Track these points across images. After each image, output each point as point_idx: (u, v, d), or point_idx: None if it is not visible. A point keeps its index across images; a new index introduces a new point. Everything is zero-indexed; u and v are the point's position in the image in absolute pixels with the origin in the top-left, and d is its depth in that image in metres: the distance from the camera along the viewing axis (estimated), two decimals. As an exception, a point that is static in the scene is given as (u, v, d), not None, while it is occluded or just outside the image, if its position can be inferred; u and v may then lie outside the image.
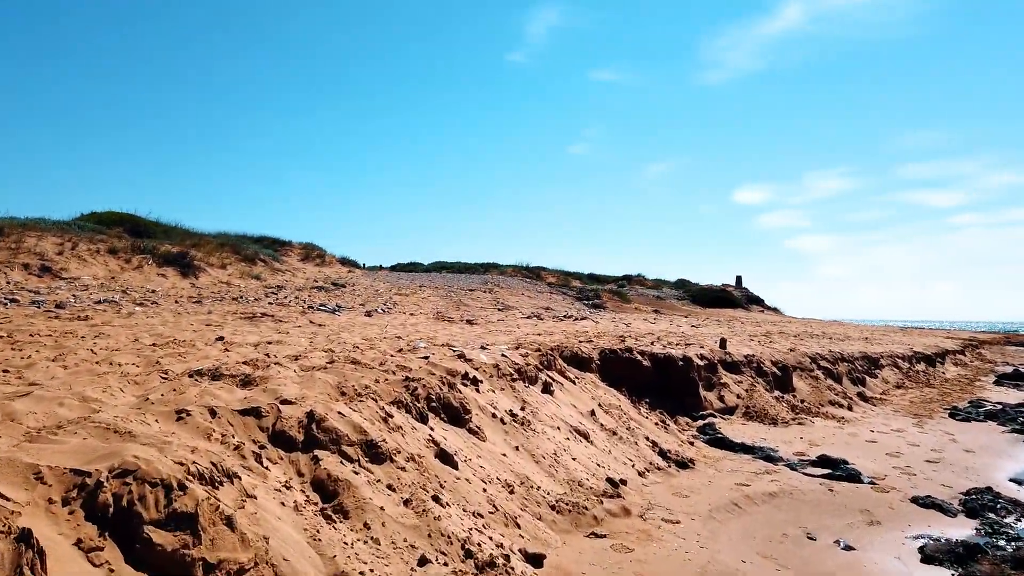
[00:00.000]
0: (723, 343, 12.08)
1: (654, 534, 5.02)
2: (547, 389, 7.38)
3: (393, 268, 46.37)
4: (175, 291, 17.18)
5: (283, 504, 3.29)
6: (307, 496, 3.53)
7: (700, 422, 9.72)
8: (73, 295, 13.36)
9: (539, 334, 13.01)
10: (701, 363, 10.55)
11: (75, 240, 18.33)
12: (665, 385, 9.99)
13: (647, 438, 7.58)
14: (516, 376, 7.08)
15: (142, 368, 5.31)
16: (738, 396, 10.66)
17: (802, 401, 11.48)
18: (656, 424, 8.66)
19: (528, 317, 20.74)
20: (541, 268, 51.39)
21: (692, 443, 8.43)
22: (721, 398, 10.42)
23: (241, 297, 17.45)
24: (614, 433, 7.23)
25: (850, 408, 11.92)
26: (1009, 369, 22.59)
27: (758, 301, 57.61)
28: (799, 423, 10.19)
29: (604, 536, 4.76)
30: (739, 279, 60.73)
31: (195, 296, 16.55)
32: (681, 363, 10.14)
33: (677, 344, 11.92)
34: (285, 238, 37.75)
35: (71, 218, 22.59)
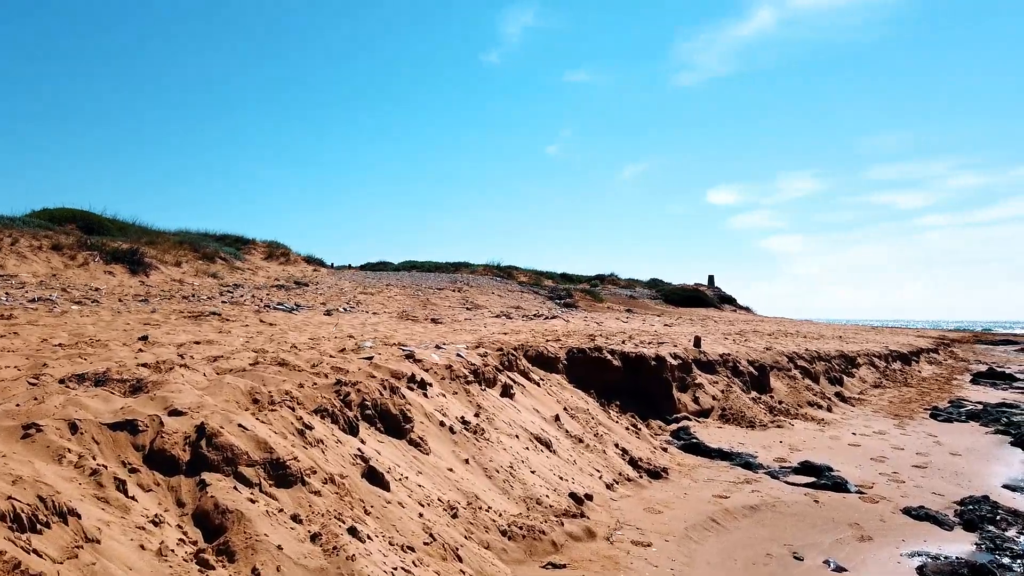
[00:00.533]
0: (697, 342, 11.51)
1: (622, 561, 4.36)
2: (507, 392, 6.70)
3: (363, 267, 45.40)
4: (121, 289, 16.19)
5: (143, 547, 2.55)
6: (184, 534, 2.80)
7: (674, 426, 9.11)
8: (6, 293, 12.36)
9: (505, 333, 12.33)
10: (675, 363, 9.95)
11: (15, 236, 17.21)
12: (637, 387, 9.37)
13: (617, 445, 6.93)
14: (471, 378, 6.38)
15: (24, 371, 4.51)
16: (714, 397, 10.08)
17: (780, 402, 10.94)
18: (627, 429, 8.02)
19: (497, 316, 20.07)
20: (513, 267, 50.71)
21: (666, 449, 7.80)
22: (696, 400, 9.82)
23: (193, 296, 16.53)
24: (580, 440, 6.56)
25: (829, 409, 11.41)
26: (983, 367, 22.41)
27: (730, 301, 57.55)
28: (778, 426, 9.63)
29: (564, 566, 4.08)
30: (711, 278, 60.66)
31: (142, 294, 15.60)
32: (654, 363, 9.52)
33: (649, 343, 11.32)
34: (249, 236, 36.68)
35: (22, 214, 21.44)
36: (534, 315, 21.81)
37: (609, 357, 9.37)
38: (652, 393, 9.37)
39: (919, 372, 18.29)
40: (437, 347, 7.42)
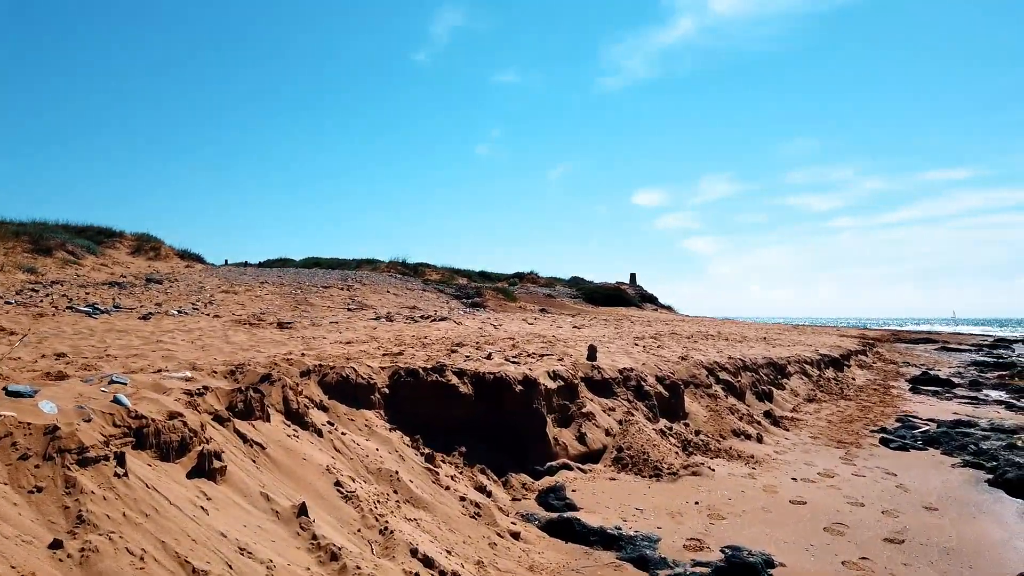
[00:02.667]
0: (592, 352, 8.71)
1: None
2: (202, 468, 3.63)
3: (261, 264, 41.64)
4: None
5: None
6: None
7: (547, 481, 6.25)
8: None
9: (348, 343, 9.27)
10: (553, 386, 7.10)
11: None
12: (496, 423, 6.47)
13: (416, 553, 3.95)
14: (80, 455, 3.26)
15: None
16: (608, 432, 7.28)
17: (697, 433, 8.26)
18: (462, 500, 5.08)
19: (378, 318, 16.98)
20: (425, 265, 47.73)
21: (518, 536, 4.90)
22: (582, 437, 6.99)
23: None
24: (335, 557, 3.55)
25: (759, 439, 8.82)
26: (916, 371, 20.70)
27: (652, 299, 55.97)
28: (694, 472, 6.90)
29: None
30: (633, 277, 58.99)
31: None
32: (520, 388, 6.62)
33: (531, 355, 8.47)
34: (118, 229, 32.42)
35: None
36: (423, 316, 18.80)
37: (456, 382, 6.42)
38: (518, 432, 6.48)
39: (853, 379, 16.16)
40: (112, 381, 4.24)
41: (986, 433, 10.20)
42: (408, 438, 5.74)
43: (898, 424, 10.84)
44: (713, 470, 7.09)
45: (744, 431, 8.73)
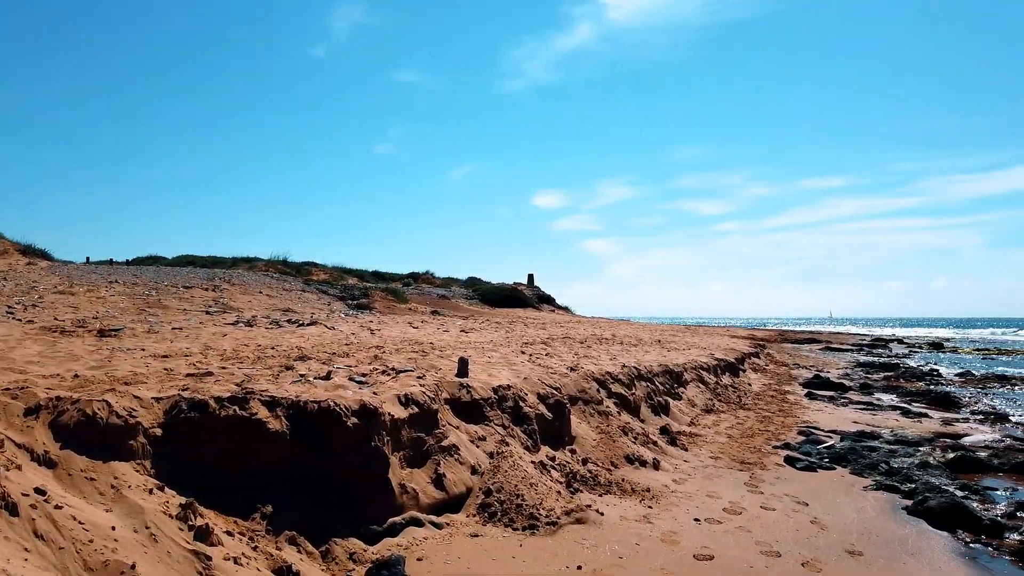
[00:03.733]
0: (462, 367, 7.22)
1: None
2: None
3: (129, 263, 37.84)
4: None
5: None
6: None
7: (387, 542, 4.71)
8: None
9: (165, 356, 7.37)
10: (403, 414, 5.54)
11: None
12: (322, 468, 4.85)
13: None
14: None
15: None
16: (474, 469, 5.81)
17: (585, 461, 6.95)
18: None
19: (236, 323, 14.88)
20: (312, 264, 45.04)
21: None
22: (439, 479, 5.48)
23: None
24: None
25: (656, 465, 7.61)
26: (807, 373, 20.54)
27: (549, 300, 55.34)
28: (578, 519, 5.53)
29: None
30: (531, 277, 58.22)
31: None
32: (354, 421, 5.03)
33: (389, 370, 6.88)
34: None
35: None
36: (289, 320, 16.78)
37: (264, 415, 4.76)
38: (349, 479, 4.89)
39: (749, 385, 15.51)
40: None
41: (892, 447, 9.49)
42: (179, 501, 4.04)
43: (801, 438, 10.00)
44: (602, 514, 5.75)
45: (639, 456, 7.48)
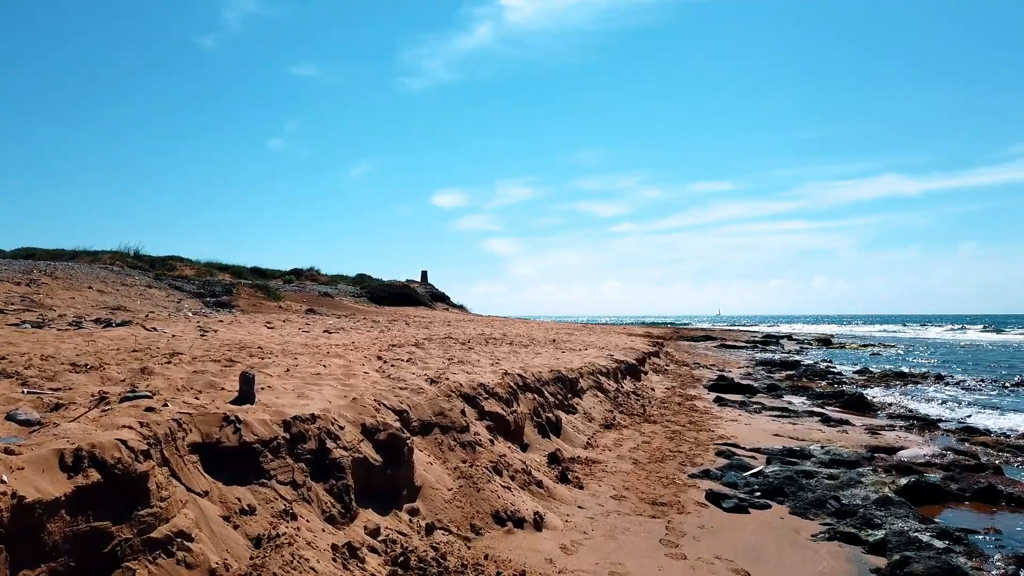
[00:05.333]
0: (246, 388, 4.69)
1: None
2: None
3: (-46, 256, 32.30)
4: None
5: None
6: None
7: None
8: None
9: None
10: (58, 495, 2.98)
11: None
12: None
13: None
14: None
15: None
16: (212, 574, 3.31)
17: (431, 529, 4.58)
18: None
19: (21, 323, 11.62)
20: (176, 259, 40.49)
21: None
22: (135, 608, 2.96)
23: None
24: None
25: (538, 522, 5.32)
26: (708, 373, 19.09)
27: (444, 298, 52.80)
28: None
29: None
30: (424, 275, 55.46)
31: None
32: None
33: (99, 401, 4.29)
34: None
35: None
36: (98, 321, 13.57)
37: None
38: None
39: (652, 390, 13.66)
40: None
41: (831, 470, 7.68)
42: None
43: (722, 461, 8.06)
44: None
45: (514, 511, 5.18)
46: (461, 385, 7.05)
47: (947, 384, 18.65)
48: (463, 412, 6.20)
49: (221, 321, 17.63)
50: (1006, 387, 18.12)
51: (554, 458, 7.31)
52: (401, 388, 6.29)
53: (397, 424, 5.09)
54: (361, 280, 49.76)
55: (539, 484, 6.03)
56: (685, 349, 30.57)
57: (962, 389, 17.71)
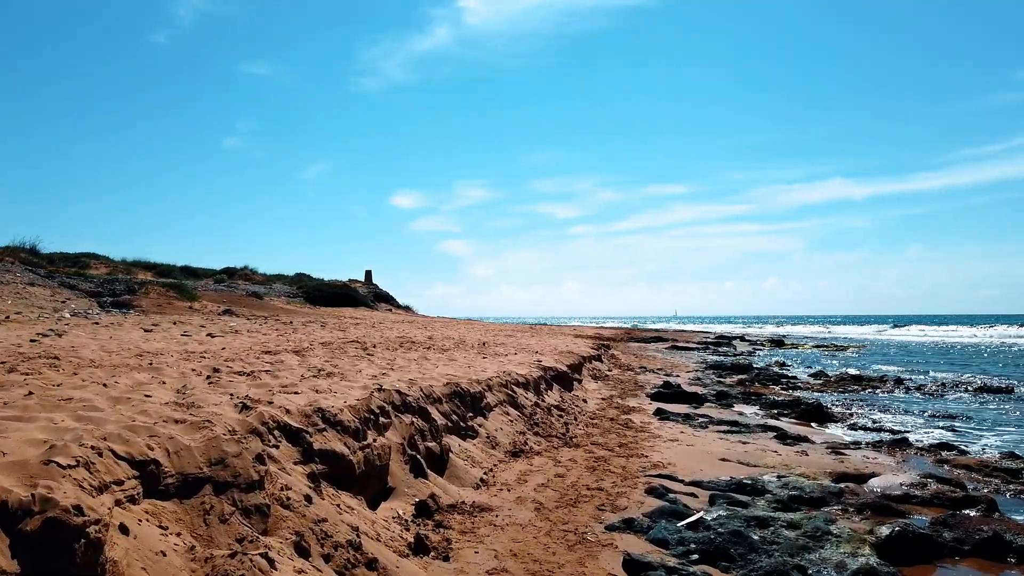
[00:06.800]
0: None
1: None
2: None
3: None
4: None
5: None
6: None
7: None
8: None
9: None
10: None
11: None
12: None
13: None
14: None
15: None
16: None
17: None
18: None
19: None
20: (91, 256, 37.58)
21: None
22: None
23: None
24: None
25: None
26: (654, 378, 17.38)
27: (388, 299, 50.48)
28: None
29: None
30: (368, 274, 53.00)
31: None
32: None
33: None
34: None
35: None
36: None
37: None
38: None
39: (584, 402, 11.81)
40: None
41: (791, 515, 5.90)
42: None
43: (652, 502, 6.19)
44: None
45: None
46: (288, 412, 5.05)
47: (907, 389, 17.33)
48: (259, 458, 4.19)
49: (96, 324, 15.26)
50: (968, 391, 16.91)
51: (424, 509, 5.37)
52: (176, 422, 4.26)
53: (79, 502, 3.06)
54: (299, 280, 47.16)
55: (371, 565, 4.07)
56: (634, 351, 28.96)
57: (922, 395, 16.42)
